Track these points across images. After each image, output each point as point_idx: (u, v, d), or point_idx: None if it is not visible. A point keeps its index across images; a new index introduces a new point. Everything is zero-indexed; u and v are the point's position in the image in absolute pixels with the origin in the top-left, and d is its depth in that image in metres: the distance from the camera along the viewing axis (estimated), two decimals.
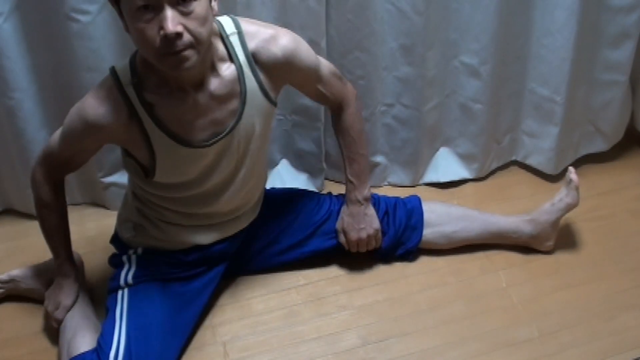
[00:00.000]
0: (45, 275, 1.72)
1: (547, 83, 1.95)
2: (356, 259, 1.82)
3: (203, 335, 1.68)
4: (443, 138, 2.08)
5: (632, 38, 1.91)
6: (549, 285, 1.79)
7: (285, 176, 2.05)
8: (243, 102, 1.47)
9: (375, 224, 1.76)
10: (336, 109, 1.71)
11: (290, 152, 2.06)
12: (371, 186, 2.06)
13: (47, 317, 1.65)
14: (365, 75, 1.88)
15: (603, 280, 1.80)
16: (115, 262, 1.68)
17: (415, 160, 2.05)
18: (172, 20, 1.24)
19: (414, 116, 1.97)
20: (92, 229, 1.95)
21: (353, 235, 1.75)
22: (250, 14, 1.73)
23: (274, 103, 1.54)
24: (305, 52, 1.54)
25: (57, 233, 1.62)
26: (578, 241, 1.90)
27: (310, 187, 2.05)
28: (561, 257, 1.86)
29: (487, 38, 1.85)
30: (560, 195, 1.80)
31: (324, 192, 2.02)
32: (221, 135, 1.47)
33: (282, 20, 1.77)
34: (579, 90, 1.98)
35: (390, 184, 2.10)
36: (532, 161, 2.12)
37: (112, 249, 1.71)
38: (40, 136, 1.85)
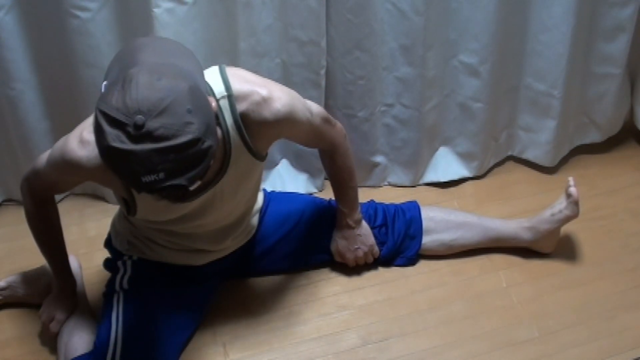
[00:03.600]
0: (42, 279, 1.71)
1: (544, 78, 1.96)
2: None
3: (203, 335, 1.68)
4: (442, 137, 2.08)
5: (627, 31, 1.93)
6: (549, 285, 1.79)
7: (285, 176, 2.05)
8: (227, 160, 1.38)
9: (369, 240, 1.76)
10: (326, 151, 1.67)
11: (290, 152, 2.06)
12: (371, 186, 2.08)
13: (44, 326, 1.64)
14: (365, 75, 1.88)
15: (603, 280, 1.80)
16: (110, 266, 1.67)
17: (415, 160, 2.05)
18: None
19: (413, 116, 1.97)
20: (92, 229, 1.94)
21: (349, 256, 1.76)
22: (250, 13, 1.72)
23: (262, 158, 1.47)
24: (300, 112, 1.43)
25: (48, 242, 1.59)
26: (578, 241, 1.90)
27: (310, 187, 2.05)
28: (561, 257, 1.86)
29: (487, 37, 1.86)
30: (560, 206, 1.78)
31: (324, 192, 2.03)
32: (203, 190, 1.40)
33: (282, 20, 1.77)
34: (574, 83, 1.99)
35: (390, 184, 2.10)
36: (528, 155, 2.13)
37: None
38: (41, 126, 1.85)
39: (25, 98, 1.79)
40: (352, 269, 1.82)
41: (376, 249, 1.78)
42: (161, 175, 1.10)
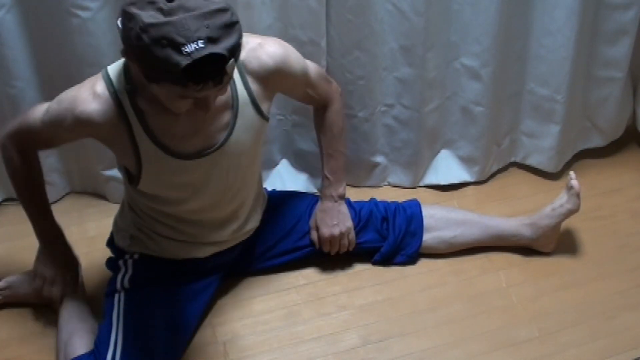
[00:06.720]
0: None
1: (547, 83, 1.95)
2: (356, 259, 1.83)
3: (203, 334, 1.68)
4: (444, 140, 2.08)
5: (629, 35, 1.92)
6: (549, 285, 1.79)
7: (285, 176, 2.05)
8: (235, 115, 1.44)
9: (348, 222, 1.75)
10: (320, 108, 1.71)
11: (290, 152, 2.06)
12: (371, 186, 2.08)
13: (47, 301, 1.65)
14: (365, 76, 1.88)
15: (603, 280, 1.80)
16: (112, 266, 1.67)
17: (415, 161, 2.05)
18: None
19: (414, 117, 1.97)
20: (92, 229, 1.94)
21: (325, 231, 1.74)
22: (250, 13, 1.73)
23: (265, 118, 1.51)
24: (294, 57, 1.54)
25: (33, 198, 1.59)
26: (578, 241, 1.90)
27: (311, 187, 2.05)
28: (561, 257, 1.86)
29: (489, 40, 1.85)
30: (561, 200, 1.79)
31: None
32: (211, 149, 1.44)
33: (282, 20, 1.77)
34: (577, 87, 1.99)
35: (390, 184, 2.10)
36: (532, 161, 2.12)
37: None
38: None
39: (25, 96, 1.80)
40: (352, 267, 1.82)
41: (353, 234, 1.76)
42: (200, 43, 1.15)
